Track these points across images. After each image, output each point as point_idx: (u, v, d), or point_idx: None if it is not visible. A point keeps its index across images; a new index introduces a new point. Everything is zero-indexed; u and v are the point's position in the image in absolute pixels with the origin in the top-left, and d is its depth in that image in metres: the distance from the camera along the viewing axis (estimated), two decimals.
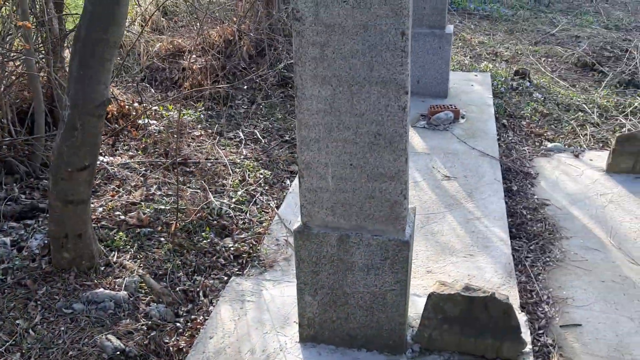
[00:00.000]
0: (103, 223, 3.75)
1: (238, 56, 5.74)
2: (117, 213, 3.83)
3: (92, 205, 3.77)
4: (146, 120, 4.98)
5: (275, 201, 4.37)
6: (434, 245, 3.72)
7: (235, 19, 6.00)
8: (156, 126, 4.85)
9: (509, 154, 4.95)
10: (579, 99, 6.25)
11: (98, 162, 4.24)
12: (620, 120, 5.84)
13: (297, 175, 2.19)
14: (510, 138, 5.31)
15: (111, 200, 3.95)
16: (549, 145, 5.13)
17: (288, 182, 4.62)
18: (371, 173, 2.43)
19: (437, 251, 3.66)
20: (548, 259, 3.70)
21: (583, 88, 6.71)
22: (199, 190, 4.13)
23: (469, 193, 4.29)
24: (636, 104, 6.17)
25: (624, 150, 4.37)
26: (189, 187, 4.19)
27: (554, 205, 4.26)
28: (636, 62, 7.07)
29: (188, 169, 4.56)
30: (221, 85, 5.20)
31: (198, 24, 6.07)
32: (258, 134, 5.29)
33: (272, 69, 5.94)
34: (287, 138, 5.24)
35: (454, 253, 3.65)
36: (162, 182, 4.27)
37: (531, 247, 3.79)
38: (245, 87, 5.77)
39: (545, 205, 4.27)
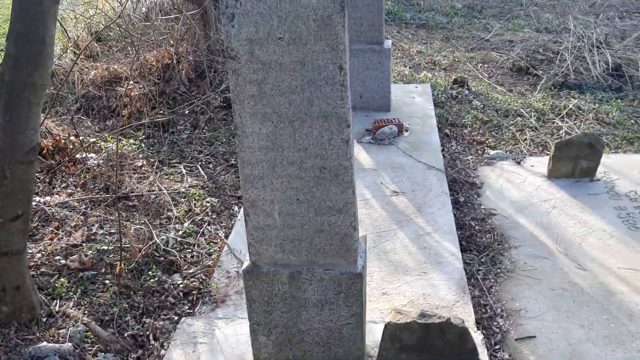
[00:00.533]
0: (43, 270, 3.56)
1: (177, 80, 5.60)
2: (57, 257, 3.64)
3: (30, 251, 3.58)
4: (84, 154, 4.78)
5: (224, 230, 4.26)
6: (388, 265, 3.68)
7: (172, 42, 5.86)
8: (95, 160, 4.66)
9: (453, 164, 4.98)
10: (516, 104, 6.37)
11: (34, 204, 4.03)
12: (557, 123, 5.98)
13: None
14: (453, 148, 5.35)
15: (50, 244, 3.76)
16: (492, 152, 5.20)
17: (236, 208, 4.52)
18: (319, 207, 2.37)
19: (391, 271, 3.63)
20: (499, 271, 3.73)
21: (520, 92, 6.86)
22: (143, 226, 3.98)
23: (418, 208, 4.28)
24: (571, 106, 6.34)
25: (562, 156, 4.46)
26: (132, 223, 4.03)
27: (500, 215, 4.30)
28: (568, 65, 7.28)
29: (131, 203, 4.40)
30: (160, 116, 5.05)
31: (134, 48, 5.90)
32: (202, 159, 5.16)
33: (213, 91, 5.82)
34: (232, 162, 5.13)
35: (407, 272, 3.62)
36: (104, 220, 4.09)
37: (482, 260, 3.81)
38: (187, 111, 5.63)
39: (493, 215, 4.30)
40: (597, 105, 6.43)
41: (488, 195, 4.57)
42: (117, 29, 5.77)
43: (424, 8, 9.89)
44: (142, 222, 4.06)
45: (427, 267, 3.67)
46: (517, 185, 4.68)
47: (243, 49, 2.10)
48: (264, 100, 2.19)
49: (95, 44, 6.62)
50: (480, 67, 7.71)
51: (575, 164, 4.50)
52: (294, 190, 2.35)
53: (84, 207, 4.24)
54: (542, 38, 8.60)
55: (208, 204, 4.53)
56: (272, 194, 2.37)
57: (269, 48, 2.09)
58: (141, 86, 5.89)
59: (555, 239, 4.01)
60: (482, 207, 4.43)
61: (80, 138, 4.85)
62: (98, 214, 4.10)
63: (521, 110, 6.29)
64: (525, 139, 5.64)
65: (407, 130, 5.38)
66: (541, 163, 4.97)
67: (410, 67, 7.54)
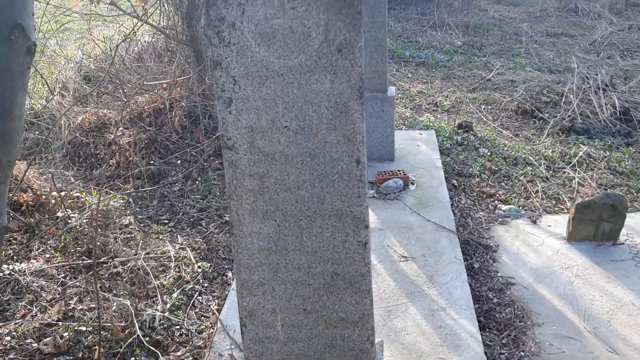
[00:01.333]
0: (12, 355, 3.10)
1: (170, 127, 5.19)
2: (29, 340, 3.18)
3: None
4: (66, 211, 4.35)
5: (217, 301, 3.81)
6: (400, 349, 3.24)
7: (165, 86, 5.46)
8: (77, 219, 4.23)
9: (465, 222, 4.57)
10: (524, 151, 6.00)
11: (7, 272, 3.58)
12: (569, 173, 5.60)
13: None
14: (463, 202, 4.95)
15: (22, 324, 3.30)
16: (504, 208, 4.80)
17: (230, 274, 4.07)
18: (330, 318, 1.94)
19: (404, 355, 3.19)
20: (523, 354, 3.29)
21: (526, 137, 6.49)
22: (127, 299, 3.53)
23: (430, 276, 3.86)
24: (581, 154, 5.96)
25: (583, 218, 4.05)
26: (115, 296, 3.58)
27: (519, 284, 3.87)
28: (574, 108, 6.93)
29: (115, 270, 3.95)
30: (150, 166, 4.63)
31: (124, 92, 5.49)
32: (194, 215, 4.73)
33: (207, 138, 5.41)
34: (226, 218, 4.69)
35: (422, 356, 3.18)
36: (84, 292, 3.64)
37: (503, 341, 3.38)
38: (179, 161, 5.21)
39: (511, 284, 3.88)
40: (607, 152, 6.07)
41: (505, 261, 4.16)
42: (107, 73, 5.39)
43: (423, 46, 9.58)
44: (127, 292, 3.61)
45: (444, 351, 3.24)
46: (535, 248, 4.27)
47: (242, 138, 1.70)
48: (266, 196, 1.78)
49: (85, 86, 6.22)
50: (484, 108, 7.36)
51: (597, 227, 4.10)
52: (300, 299, 1.93)
53: (63, 275, 3.79)
54: (545, 78, 8.28)
55: (199, 270, 4.08)
56: (274, 303, 1.94)
57: (273, 138, 1.69)
58: (131, 133, 5.47)
59: (582, 314, 3.59)
60: (499, 274, 4.01)
61: (63, 193, 4.41)
62: (78, 284, 3.66)
63: (530, 158, 5.92)
64: (537, 191, 5.25)
65: (413, 184, 4.98)
66: (558, 222, 4.57)
67: (411, 109, 7.19)
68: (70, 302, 3.59)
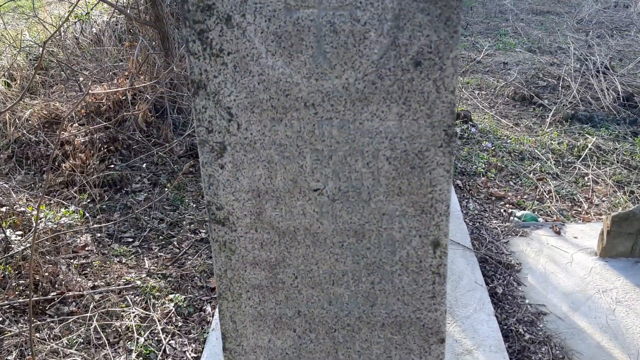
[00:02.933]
0: None
1: (133, 123, 4.34)
2: None
3: None
4: (8, 232, 3.50)
5: (194, 345, 3.04)
6: None
7: (127, 74, 4.58)
8: (19, 243, 3.40)
9: (479, 235, 3.88)
10: (529, 143, 5.34)
11: None
12: (581, 168, 4.95)
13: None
14: (472, 208, 4.26)
15: None
16: (518, 214, 4.12)
17: (209, 308, 3.30)
18: None
19: None
20: None
21: (527, 126, 5.83)
22: (80, 353, 2.76)
23: (450, 308, 3.16)
24: (590, 145, 5.32)
25: (621, 232, 3.39)
26: (67, 344, 2.80)
27: (553, 314, 3.20)
28: (574, 93, 6.28)
29: (67, 309, 3.14)
30: (110, 171, 3.82)
31: (80, 80, 4.60)
32: (164, 231, 3.92)
33: (177, 135, 4.57)
34: (202, 235, 3.90)
35: None
36: (26, 342, 2.84)
37: None
38: (144, 164, 4.37)
39: (543, 314, 3.21)
40: (616, 143, 5.45)
41: (531, 283, 3.48)
42: (62, 53, 4.51)
43: None
44: (82, 338, 2.83)
45: None
46: (564, 267, 3.60)
47: (242, 208, 0.94)
48: (280, 294, 1.03)
49: (35, 75, 5.28)
50: (478, 94, 6.66)
51: (635, 242, 3.45)
52: None
53: (0, 318, 2.97)
54: (538, 59, 7.61)
55: (172, 304, 3.29)
56: None
57: (295, 207, 0.93)
58: (88, 130, 4.59)
59: (631, 352, 2.93)
60: (528, 301, 3.34)
61: (3, 209, 3.56)
62: (17, 330, 2.85)
63: (536, 151, 5.26)
64: (549, 191, 4.59)
65: None
66: (585, 233, 3.91)
67: None
68: (9, 356, 2.80)
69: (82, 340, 2.94)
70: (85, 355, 2.85)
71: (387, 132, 1.02)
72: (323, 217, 1.10)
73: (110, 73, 5.06)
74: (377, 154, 1.04)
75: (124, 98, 4.97)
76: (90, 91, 4.87)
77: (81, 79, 4.89)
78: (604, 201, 5.03)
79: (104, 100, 4.92)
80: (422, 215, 1.08)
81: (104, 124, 4.71)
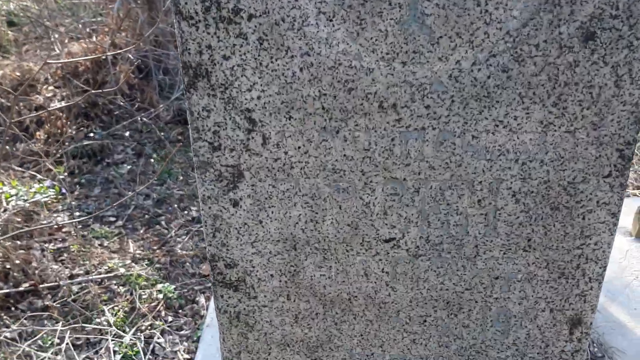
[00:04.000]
0: None
1: (114, 85, 3.82)
2: None
3: None
4: None
5: (186, 343, 2.63)
6: None
7: (107, 29, 4.05)
8: None
9: None
10: None
11: None
12: None
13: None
14: None
15: None
16: None
17: (202, 300, 2.88)
18: None
19: None
20: None
21: None
22: (56, 354, 2.36)
23: None
24: None
25: None
26: (41, 345, 2.40)
27: None
28: None
29: (41, 303, 2.72)
30: (90, 140, 3.37)
31: (54, 40, 4.07)
32: (150, 209, 3.47)
33: (163, 99, 4.07)
34: (193, 213, 3.46)
35: None
36: None
37: None
38: (127, 132, 3.88)
39: None
40: None
41: None
42: (35, 7, 3.97)
43: None
44: (58, 339, 2.43)
45: None
46: None
47: (266, 266, 0.61)
48: None
49: (8, 31, 4.72)
50: None
51: None
52: None
53: None
54: None
55: (160, 295, 2.88)
56: None
57: (351, 264, 0.61)
58: (64, 94, 4.07)
59: None
60: None
61: None
62: None
63: None
64: None
65: None
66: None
67: None
68: None
69: (58, 341, 2.53)
70: (60, 359, 2.43)
71: (518, 152, 0.60)
72: (397, 281, 0.68)
73: (89, 29, 4.51)
74: (498, 187, 0.62)
75: (103, 58, 4.42)
76: (66, 50, 4.32)
77: (56, 35, 4.34)
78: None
79: (81, 60, 4.37)
80: (559, 281, 0.66)
81: (82, 86, 4.18)
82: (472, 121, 0.59)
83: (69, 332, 2.45)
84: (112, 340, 2.42)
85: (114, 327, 2.39)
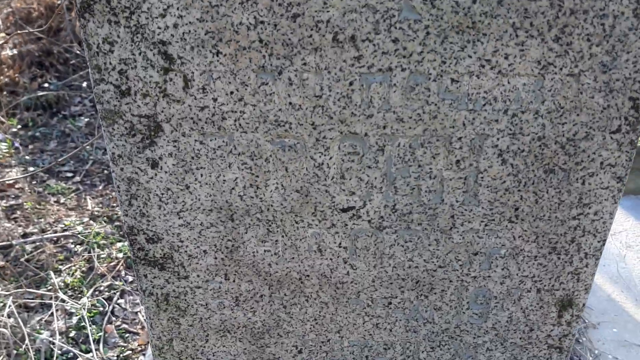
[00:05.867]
0: None
1: (70, 32, 3.58)
2: None
3: None
4: None
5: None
6: None
7: None
8: None
9: None
10: None
11: None
12: None
13: None
14: None
15: None
16: None
17: None
18: None
19: None
20: None
21: None
22: (9, 316, 2.23)
23: None
24: None
25: (633, 167, 2.94)
26: None
27: None
28: None
29: None
30: (44, 90, 3.16)
31: None
32: (110, 165, 3.27)
33: None
34: None
35: None
36: None
37: None
38: (85, 82, 3.65)
39: None
40: None
41: None
42: None
43: None
44: (9, 303, 2.30)
45: None
46: None
47: (197, 240, 0.47)
48: None
49: None
50: None
51: None
52: None
53: None
54: None
55: (120, 255, 2.75)
56: None
57: (302, 237, 0.48)
58: (16, 42, 3.80)
59: None
60: None
61: None
62: None
63: None
64: None
65: None
66: None
67: None
68: None
69: (10, 303, 2.39)
70: (12, 322, 2.31)
71: (508, 101, 0.47)
72: (357, 257, 0.56)
73: None
74: (482, 144, 0.49)
75: (58, 2, 4.14)
76: None
77: None
78: None
79: (34, 5, 4.08)
80: (549, 257, 0.55)
81: (36, 33, 3.92)
82: (452, 60, 0.46)
83: (21, 293, 2.32)
84: (69, 301, 2.30)
85: (70, 289, 2.25)
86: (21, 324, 1.93)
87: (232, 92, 0.48)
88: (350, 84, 0.47)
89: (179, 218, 0.55)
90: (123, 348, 2.03)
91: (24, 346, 1.80)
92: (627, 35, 0.45)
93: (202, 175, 0.53)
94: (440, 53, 0.46)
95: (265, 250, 0.57)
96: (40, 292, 2.22)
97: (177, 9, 0.44)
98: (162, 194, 0.54)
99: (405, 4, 0.44)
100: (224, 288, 0.59)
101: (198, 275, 0.58)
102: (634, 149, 0.51)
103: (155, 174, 0.52)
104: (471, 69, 0.46)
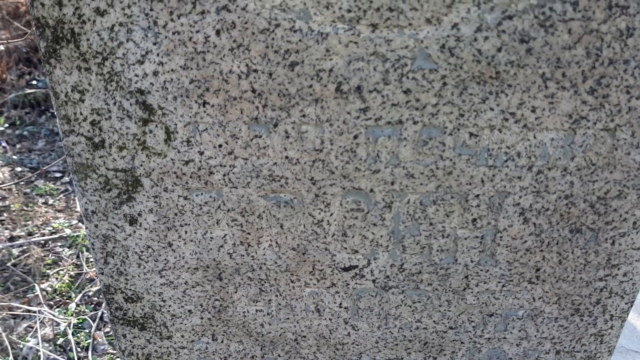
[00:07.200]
0: None
1: None
2: None
3: None
4: None
5: None
6: None
7: None
8: None
9: None
10: None
11: None
12: None
13: None
14: None
15: None
16: None
17: None
18: None
19: None
20: None
21: None
22: None
23: None
24: None
25: None
26: None
27: None
28: None
29: None
30: (33, 88, 3.09)
31: None
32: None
33: None
34: None
35: None
36: None
37: None
38: None
39: None
40: None
41: None
42: None
43: None
44: None
45: None
46: None
47: (182, 299, 0.41)
48: None
49: None
50: None
51: None
52: None
53: None
54: None
55: None
56: None
57: (298, 297, 0.47)
58: (4, 37, 3.72)
59: None
60: None
61: None
62: None
63: None
64: None
65: None
66: None
67: None
68: None
69: None
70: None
71: (533, 157, 0.41)
72: (359, 318, 0.50)
73: None
74: (502, 202, 0.44)
75: None
76: None
77: None
78: None
79: (22, 1, 4.00)
80: (571, 319, 0.50)
81: (24, 29, 3.84)
82: (471, 113, 0.40)
83: (5, 305, 2.26)
84: (56, 308, 2.24)
85: (58, 294, 2.18)
86: (4, 336, 1.86)
87: (220, 145, 0.42)
88: (355, 137, 0.42)
89: (161, 277, 0.49)
90: (112, 355, 1.96)
91: (10, 357, 1.74)
92: None
93: (186, 232, 0.47)
94: (458, 105, 0.40)
95: (257, 310, 0.51)
96: (24, 306, 2.15)
97: (158, 55, 0.38)
98: (142, 251, 0.48)
99: (420, 52, 0.38)
100: (211, 349, 0.53)
101: (182, 336, 0.53)
102: None
103: (134, 231, 0.47)
104: (493, 123, 0.41)
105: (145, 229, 0.46)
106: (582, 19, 0.37)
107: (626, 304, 0.50)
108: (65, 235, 2.54)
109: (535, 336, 0.52)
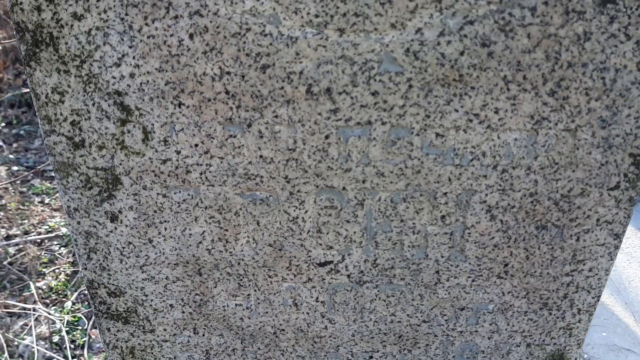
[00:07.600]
0: None
1: None
2: None
3: None
4: None
5: None
6: None
7: None
8: None
9: None
10: None
11: None
12: None
13: None
14: None
15: None
16: None
17: None
18: None
19: None
20: None
21: None
22: None
23: None
24: None
25: None
26: None
27: None
28: None
29: None
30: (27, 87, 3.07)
31: None
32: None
33: None
34: None
35: None
36: None
37: None
38: None
39: None
40: None
41: None
42: None
43: None
44: None
45: None
46: None
47: (163, 294, 0.41)
48: None
49: None
50: None
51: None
52: None
53: None
54: None
55: None
56: None
57: (276, 291, 0.45)
58: (1, 37, 3.71)
59: (638, 310, 2.57)
60: None
61: None
62: None
63: None
64: None
65: None
66: None
67: None
68: None
69: None
70: None
71: (498, 156, 0.43)
72: (335, 312, 0.52)
73: None
74: (469, 200, 0.45)
75: None
76: None
77: None
78: None
79: None
80: (540, 312, 0.51)
81: None
82: (437, 114, 0.42)
83: (3, 298, 2.27)
84: (52, 306, 2.25)
85: (54, 293, 2.19)
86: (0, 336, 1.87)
87: (196, 145, 0.44)
88: (327, 137, 0.43)
89: (143, 272, 0.50)
90: (110, 355, 1.95)
91: (6, 355, 1.75)
92: (629, 90, 0.41)
93: (166, 229, 0.48)
94: (424, 107, 0.42)
95: (236, 305, 0.53)
96: (20, 304, 2.16)
97: (134, 58, 0.40)
98: (124, 247, 0.49)
99: (385, 55, 0.39)
100: (193, 342, 0.55)
101: (165, 329, 0.54)
102: (632, 205, 0.47)
103: (115, 228, 0.48)
104: (458, 123, 0.42)
105: (126, 226, 0.48)
106: (541, 24, 0.39)
107: (593, 298, 0.51)
108: (61, 234, 2.56)
109: (505, 329, 0.54)
